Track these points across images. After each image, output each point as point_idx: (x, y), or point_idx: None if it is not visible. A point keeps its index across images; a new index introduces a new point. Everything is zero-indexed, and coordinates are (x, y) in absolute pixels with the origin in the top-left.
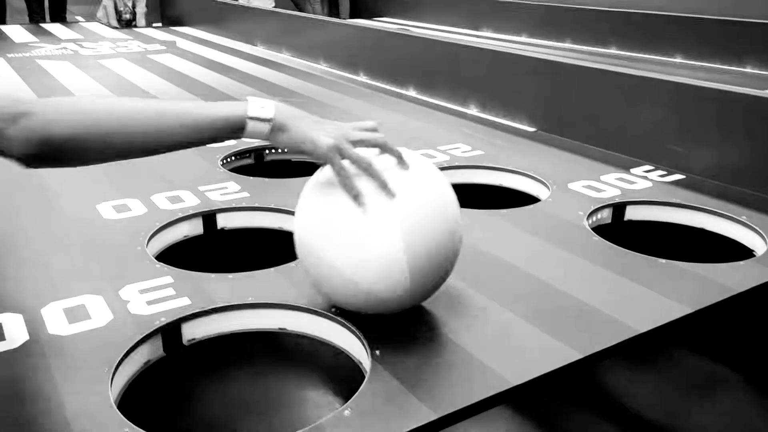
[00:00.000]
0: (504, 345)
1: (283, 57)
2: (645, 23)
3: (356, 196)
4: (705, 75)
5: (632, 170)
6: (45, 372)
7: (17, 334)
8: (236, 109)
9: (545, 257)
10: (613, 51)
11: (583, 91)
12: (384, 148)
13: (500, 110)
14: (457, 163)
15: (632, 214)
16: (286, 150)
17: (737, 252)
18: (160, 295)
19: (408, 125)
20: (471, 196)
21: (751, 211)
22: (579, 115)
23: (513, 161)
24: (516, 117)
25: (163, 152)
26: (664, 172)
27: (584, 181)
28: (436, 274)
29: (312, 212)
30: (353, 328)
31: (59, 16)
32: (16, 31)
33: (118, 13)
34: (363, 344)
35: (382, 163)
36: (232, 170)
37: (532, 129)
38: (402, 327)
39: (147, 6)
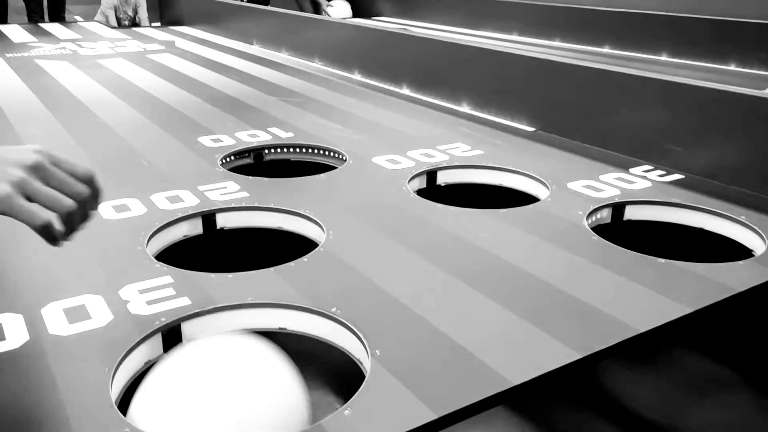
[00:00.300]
0: (503, 344)
1: (282, 56)
2: (638, 23)
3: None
4: (692, 73)
5: (631, 170)
6: (45, 372)
7: (17, 334)
8: None
9: (545, 257)
10: (606, 50)
11: (582, 91)
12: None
13: (499, 110)
14: (456, 163)
15: (632, 213)
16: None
17: (736, 252)
18: (160, 295)
19: (406, 124)
20: (470, 195)
21: (750, 211)
22: (578, 114)
23: (512, 161)
24: (515, 117)
25: None
26: (663, 172)
27: (583, 181)
28: None
29: None
30: (354, 328)
31: (58, 16)
32: (14, 31)
33: (117, 20)
34: (363, 344)
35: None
36: (232, 170)
37: (531, 129)
38: (402, 326)
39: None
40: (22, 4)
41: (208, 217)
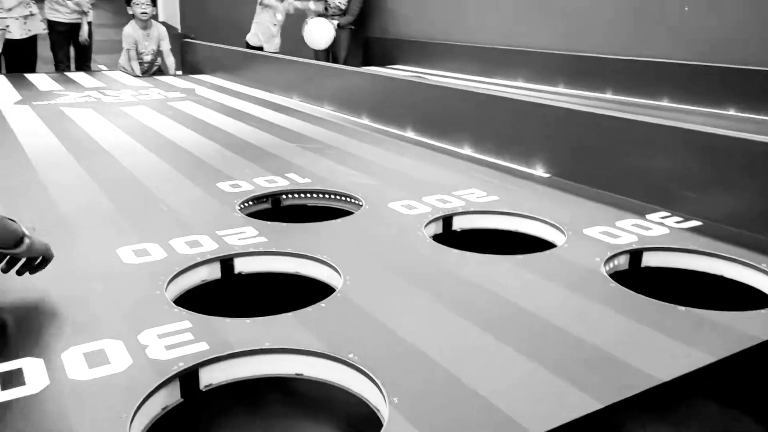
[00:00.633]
0: (522, 393)
1: (299, 103)
2: (638, 70)
3: None
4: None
5: (648, 216)
6: (64, 417)
7: (37, 378)
8: None
9: (562, 303)
10: (608, 95)
11: (598, 138)
12: None
13: (514, 156)
14: (472, 209)
15: (649, 260)
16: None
17: (757, 299)
18: (178, 340)
19: (422, 170)
20: (487, 241)
21: None
22: (593, 161)
23: (528, 207)
24: (530, 162)
25: None
26: (681, 219)
27: (600, 227)
28: None
29: None
30: (371, 375)
31: (84, 65)
32: (42, 80)
33: (139, 56)
34: (381, 391)
35: None
36: (250, 215)
37: (546, 174)
38: (420, 375)
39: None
40: (50, 54)
41: (227, 262)
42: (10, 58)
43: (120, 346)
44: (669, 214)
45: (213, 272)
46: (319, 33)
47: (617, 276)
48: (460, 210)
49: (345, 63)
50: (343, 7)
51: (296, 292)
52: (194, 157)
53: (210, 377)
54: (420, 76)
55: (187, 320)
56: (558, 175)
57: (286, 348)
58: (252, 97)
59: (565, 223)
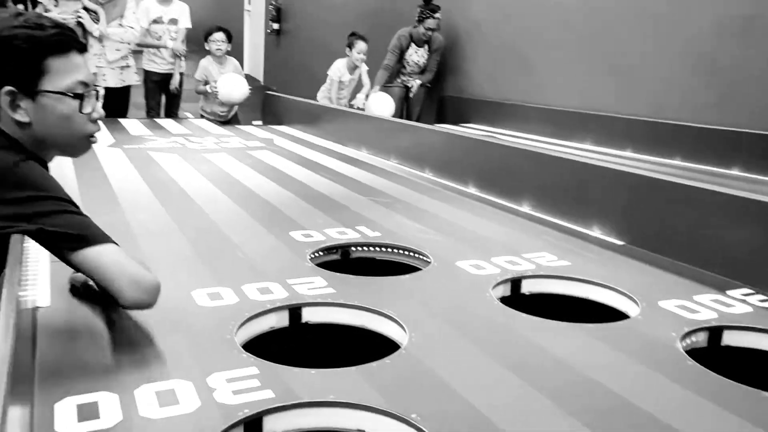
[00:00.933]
0: None
1: (374, 158)
2: (709, 137)
3: None
4: None
5: (729, 292)
6: None
7: (112, 413)
8: None
9: (636, 379)
10: (677, 162)
11: (677, 207)
12: None
13: (586, 221)
14: (542, 273)
15: (730, 339)
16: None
17: None
18: (245, 386)
19: (491, 229)
20: (556, 307)
21: None
22: (672, 231)
23: (600, 274)
24: (604, 228)
25: None
26: (765, 297)
27: (677, 300)
28: None
29: None
30: None
31: (173, 113)
32: (133, 125)
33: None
34: None
35: None
36: (319, 265)
37: (620, 242)
38: None
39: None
40: (143, 100)
41: (295, 311)
42: (105, 104)
43: (190, 387)
44: (752, 291)
45: (281, 320)
46: (380, 107)
47: (694, 353)
48: (530, 273)
49: (418, 120)
50: (421, 65)
51: (361, 346)
52: (270, 205)
53: (274, 425)
54: (492, 136)
55: (254, 366)
56: (632, 243)
57: (349, 402)
58: (328, 149)
59: (639, 294)
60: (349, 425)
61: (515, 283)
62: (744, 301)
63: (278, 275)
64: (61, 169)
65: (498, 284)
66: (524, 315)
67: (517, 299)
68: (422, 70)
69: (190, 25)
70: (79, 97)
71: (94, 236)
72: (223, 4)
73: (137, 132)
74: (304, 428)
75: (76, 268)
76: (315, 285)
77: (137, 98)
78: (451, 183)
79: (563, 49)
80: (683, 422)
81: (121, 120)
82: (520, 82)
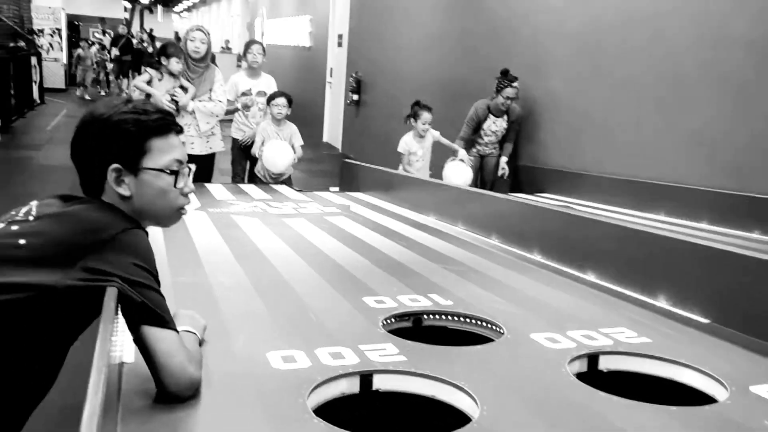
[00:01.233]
0: None
1: (450, 227)
2: None
3: None
4: None
5: None
6: None
7: None
8: None
9: None
10: (755, 235)
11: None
12: None
13: (669, 297)
14: (621, 349)
15: None
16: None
17: None
18: None
19: (567, 302)
20: (637, 387)
21: None
22: (761, 309)
23: (685, 354)
24: (687, 305)
25: None
26: None
27: None
28: None
29: None
30: None
31: (256, 179)
32: (217, 189)
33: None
34: None
35: None
36: (391, 331)
37: (705, 320)
38: None
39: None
40: (229, 166)
41: (366, 377)
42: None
43: None
44: None
45: (352, 386)
46: (456, 176)
47: None
48: (608, 349)
49: (492, 189)
50: (499, 135)
51: (431, 416)
52: (344, 271)
53: None
54: (568, 206)
55: None
56: (719, 322)
57: None
58: (403, 216)
59: (727, 377)
60: None
61: (592, 358)
62: None
63: (350, 340)
64: (152, 230)
65: (574, 359)
66: (602, 393)
67: (594, 376)
68: (499, 141)
69: None
70: (175, 173)
71: (164, 319)
72: (307, 76)
73: (222, 196)
74: None
75: (135, 339)
76: (387, 352)
77: (224, 164)
78: (546, 260)
79: (640, 120)
80: None
81: (207, 185)
82: (596, 153)
